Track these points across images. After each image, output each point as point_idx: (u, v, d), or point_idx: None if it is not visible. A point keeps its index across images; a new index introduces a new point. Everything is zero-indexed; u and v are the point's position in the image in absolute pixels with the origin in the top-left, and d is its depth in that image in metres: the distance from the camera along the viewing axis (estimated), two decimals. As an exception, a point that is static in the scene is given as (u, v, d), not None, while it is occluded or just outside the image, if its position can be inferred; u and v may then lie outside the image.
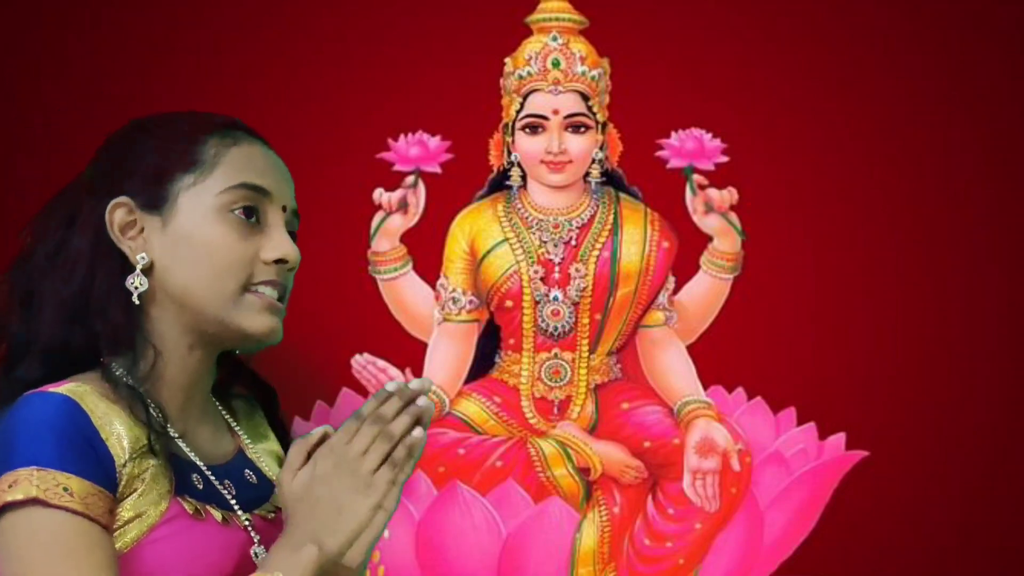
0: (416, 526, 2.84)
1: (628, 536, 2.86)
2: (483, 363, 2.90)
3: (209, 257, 1.73)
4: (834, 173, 2.87)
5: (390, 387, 1.70)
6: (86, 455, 1.63)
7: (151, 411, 1.71)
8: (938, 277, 2.86)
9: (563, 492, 2.86)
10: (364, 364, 2.87)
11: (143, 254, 1.74)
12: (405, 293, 2.90)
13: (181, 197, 1.75)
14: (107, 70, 2.88)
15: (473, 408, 2.89)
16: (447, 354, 2.89)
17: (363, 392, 2.87)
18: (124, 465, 1.66)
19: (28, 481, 1.60)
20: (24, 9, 2.91)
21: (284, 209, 1.80)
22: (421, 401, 1.69)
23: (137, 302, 1.74)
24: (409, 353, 2.88)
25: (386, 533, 2.84)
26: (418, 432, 1.68)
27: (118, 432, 1.66)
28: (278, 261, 1.77)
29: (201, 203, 1.75)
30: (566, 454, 2.86)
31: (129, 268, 1.75)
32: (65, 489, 1.61)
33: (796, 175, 2.87)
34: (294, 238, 1.82)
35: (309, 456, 1.69)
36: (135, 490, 1.67)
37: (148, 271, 1.75)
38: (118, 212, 1.76)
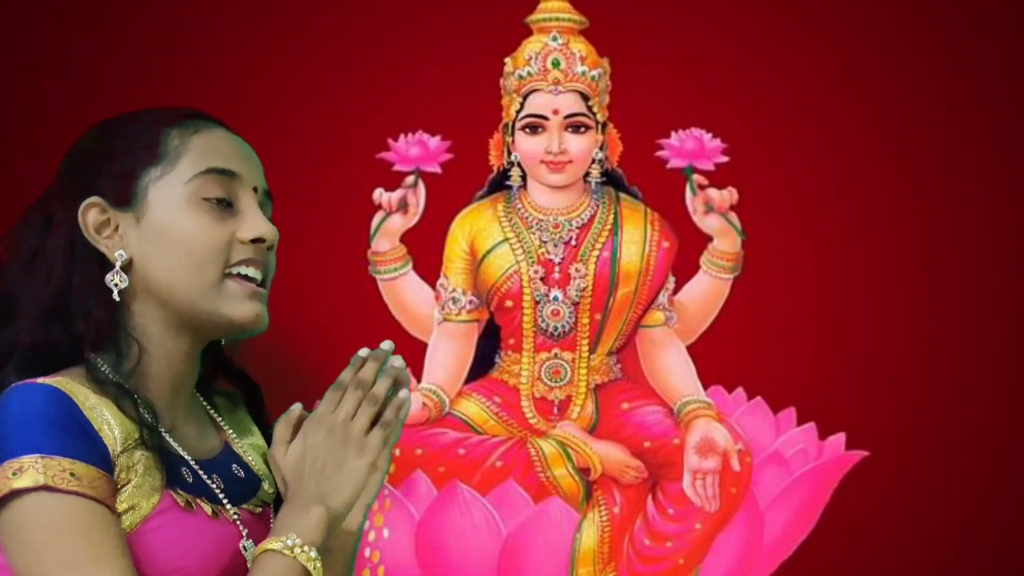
0: (416, 526, 2.84)
1: (628, 536, 2.86)
2: (483, 363, 2.90)
3: (186, 247, 1.74)
4: (834, 173, 2.87)
5: (363, 353, 1.75)
6: (83, 441, 1.64)
7: (139, 406, 1.71)
8: (938, 277, 2.86)
9: (563, 492, 2.85)
10: (364, 364, 2.87)
11: (121, 251, 1.75)
12: (405, 293, 2.90)
13: (151, 191, 1.75)
14: (107, 70, 2.88)
15: (473, 408, 2.89)
16: (447, 354, 2.89)
17: (363, 392, 2.87)
18: (118, 455, 1.66)
19: (34, 468, 1.61)
20: (24, 9, 2.91)
21: (256, 191, 1.79)
22: (397, 362, 1.74)
23: (118, 299, 1.74)
24: (409, 353, 2.88)
25: (386, 532, 2.85)
26: (403, 392, 1.73)
27: (109, 422, 1.67)
28: (255, 240, 1.76)
29: (171, 194, 1.75)
30: (566, 454, 2.86)
31: (108, 266, 1.75)
32: (72, 474, 1.62)
33: (796, 175, 2.87)
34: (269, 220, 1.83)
35: (296, 430, 1.73)
36: (129, 481, 1.67)
37: (127, 267, 1.75)
38: (91, 212, 1.76)
